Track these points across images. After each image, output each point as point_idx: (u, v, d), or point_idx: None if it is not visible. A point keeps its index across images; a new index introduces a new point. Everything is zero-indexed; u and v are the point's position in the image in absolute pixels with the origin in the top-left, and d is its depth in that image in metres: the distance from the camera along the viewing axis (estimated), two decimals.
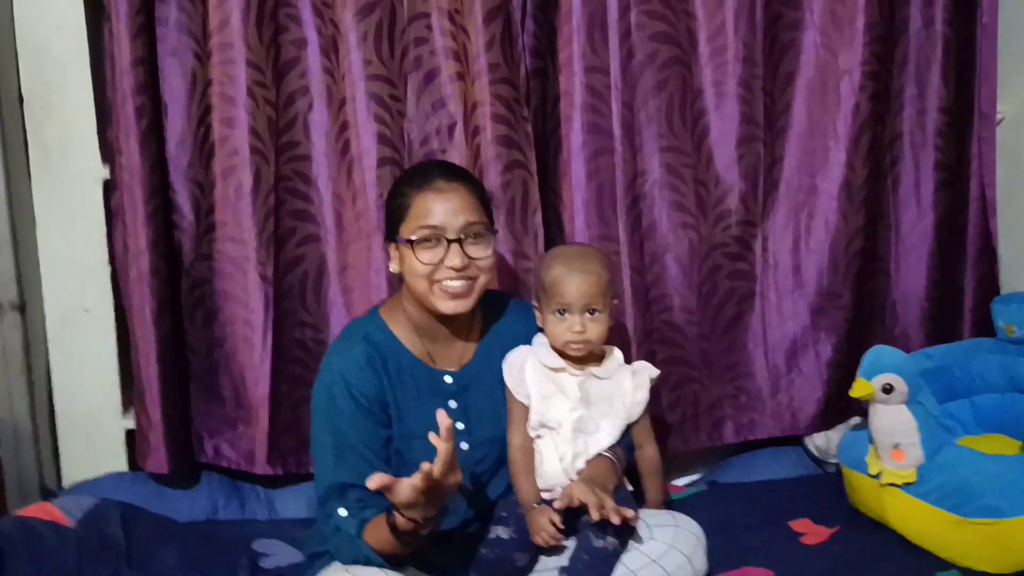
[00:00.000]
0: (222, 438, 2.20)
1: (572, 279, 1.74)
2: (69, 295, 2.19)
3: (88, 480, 2.19)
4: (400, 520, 1.57)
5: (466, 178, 1.78)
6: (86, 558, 1.85)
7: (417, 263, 1.69)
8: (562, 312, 1.76)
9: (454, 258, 1.68)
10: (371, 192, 2.10)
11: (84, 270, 2.18)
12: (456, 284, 1.70)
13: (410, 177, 1.79)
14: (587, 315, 1.75)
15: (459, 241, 1.69)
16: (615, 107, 2.14)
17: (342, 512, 1.66)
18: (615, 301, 1.83)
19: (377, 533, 1.63)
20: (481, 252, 1.71)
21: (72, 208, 2.16)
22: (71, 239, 2.17)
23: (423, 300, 1.72)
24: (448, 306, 1.70)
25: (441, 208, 1.70)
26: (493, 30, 2.05)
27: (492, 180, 2.09)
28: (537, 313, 1.82)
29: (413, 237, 1.70)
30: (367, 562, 1.64)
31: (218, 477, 2.23)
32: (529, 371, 1.78)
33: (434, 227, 1.69)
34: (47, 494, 2.17)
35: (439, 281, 1.69)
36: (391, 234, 1.76)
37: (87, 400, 2.23)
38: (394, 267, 1.76)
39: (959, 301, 2.36)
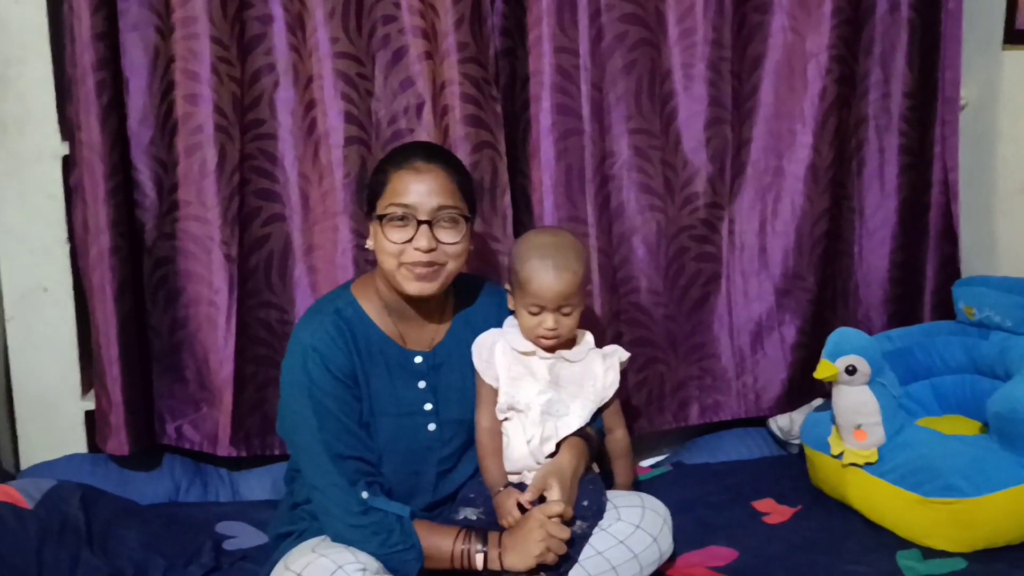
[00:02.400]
0: (185, 420, 2.17)
1: (547, 280, 1.71)
2: (27, 274, 2.15)
3: (47, 461, 2.15)
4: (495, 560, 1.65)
5: (447, 161, 1.74)
6: (47, 541, 1.83)
7: (386, 241, 1.68)
8: (536, 310, 1.74)
9: (421, 240, 1.66)
10: (338, 171, 2.08)
11: (43, 248, 2.14)
12: (422, 268, 1.67)
13: (392, 155, 1.77)
14: (560, 312, 1.74)
15: (429, 223, 1.67)
16: (584, 88, 2.13)
17: (364, 494, 1.65)
18: (588, 285, 1.82)
19: (434, 538, 1.66)
20: (451, 237, 1.69)
21: (30, 185, 2.12)
22: (29, 217, 2.13)
23: (390, 279, 1.71)
24: (413, 287, 1.68)
25: (415, 188, 1.68)
26: (462, 9, 2.03)
27: (460, 160, 2.08)
28: (509, 296, 1.81)
29: (384, 214, 1.68)
30: (408, 550, 1.63)
31: (180, 459, 2.21)
32: (498, 354, 1.77)
33: (406, 206, 1.67)
34: (5, 476, 2.13)
35: (406, 263, 1.68)
36: (370, 210, 1.74)
37: (45, 381, 2.19)
38: (370, 243, 1.74)
39: (920, 283, 2.39)
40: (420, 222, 1.67)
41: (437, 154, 1.75)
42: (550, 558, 1.65)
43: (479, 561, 1.65)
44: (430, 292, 1.70)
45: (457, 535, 1.67)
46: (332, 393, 1.67)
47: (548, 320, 1.73)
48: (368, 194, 1.76)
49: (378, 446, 1.72)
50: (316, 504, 1.69)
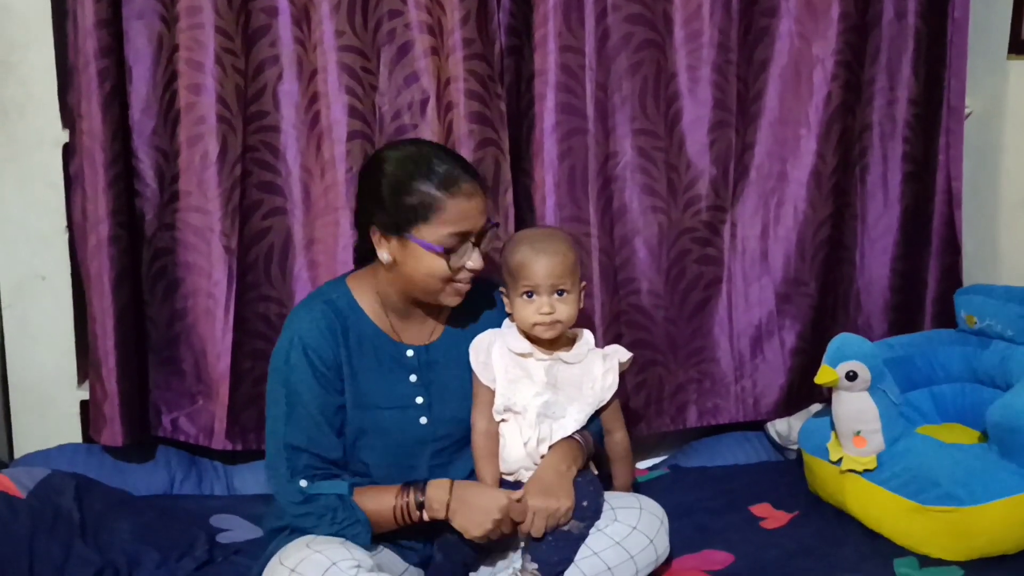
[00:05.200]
0: (181, 412, 2.16)
1: (538, 260, 1.72)
2: (25, 262, 2.14)
3: (41, 450, 2.14)
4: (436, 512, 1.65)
5: (478, 174, 1.74)
6: (39, 531, 1.81)
7: (442, 267, 1.67)
8: (529, 294, 1.73)
9: (478, 260, 1.69)
10: (340, 166, 2.07)
11: (41, 236, 2.13)
12: (466, 283, 1.71)
13: (429, 173, 1.66)
14: (555, 296, 1.73)
15: (479, 243, 1.69)
16: (589, 88, 2.13)
17: (303, 483, 1.66)
18: (583, 283, 1.81)
19: (379, 500, 1.66)
20: (490, 248, 1.73)
21: (30, 172, 2.11)
22: (28, 204, 2.12)
23: (424, 295, 1.71)
24: (454, 301, 1.72)
25: (471, 212, 1.67)
26: (469, 5, 2.02)
27: (464, 157, 2.07)
28: (504, 299, 1.80)
29: (446, 245, 1.66)
30: (354, 524, 1.64)
31: (175, 451, 2.21)
32: (496, 355, 1.76)
33: (466, 233, 1.67)
34: None
35: (456, 281, 1.69)
36: (396, 228, 1.67)
37: (41, 370, 2.18)
38: (386, 257, 1.70)
39: (922, 292, 2.39)
40: (474, 244, 1.69)
41: (470, 168, 1.73)
42: (492, 535, 1.65)
43: (416, 513, 1.66)
44: (461, 301, 1.73)
45: (398, 492, 1.67)
46: (308, 384, 1.68)
47: (544, 304, 1.72)
48: (399, 212, 1.66)
49: (369, 441, 1.72)
50: (270, 487, 1.73)
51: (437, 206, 1.65)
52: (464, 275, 1.70)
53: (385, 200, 1.67)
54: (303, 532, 1.67)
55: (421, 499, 1.66)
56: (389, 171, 1.68)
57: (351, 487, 1.68)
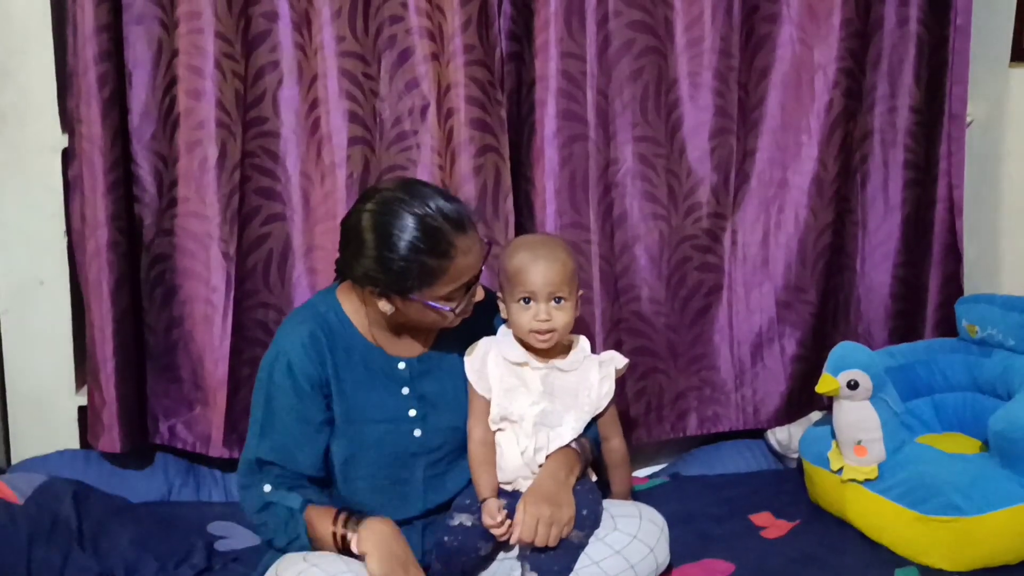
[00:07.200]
0: (178, 419, 2.16)
1: (537, 266, 1.70)
2: (23, 267, 2.14)
3: (38, 456, 2.14)
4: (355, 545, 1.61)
5: (469, 217, 1.66)
6: (36, 537, 1.81)
7: (448, 314, 1.66)
8: (526, 301, 1.72)
9: (481, 293, 1.70)
10: (340, 172, 2.07)
11: (40, 241, 2.13)
12: (471, 310, 1.71)
13: (426, 243, 1.60)
14: (552, 303, 1.72)
15: (479, 277, 1.69)
16: (590, 94, 2.12)
17: (267, 488, 1.66)
18: (580, 291, 1.80)
19: (320, 524, 1.63)
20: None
21: (29, 177, 2.10)
22: (27, 209, 2.11)
23: (429, 325, 1.71)
24: (457, 323, 1.71)
25: (472, 263, 1.65)
26: (470, 11, 2.02)
27: (464, 164, 2.07)
28: (500, 304, 1.78)
29: (452, 299, 1.65)
30: (295, 541, 1.64)
31: (173, 458, 2.20)
32: (491, 364, 1.75)
33: (470, 281, 1.67)
34: None
35: (463, 314, 1.69)
36: (397, 292, 1.63)
37: (39, 375, 2.18)
38: (386, 308, 1.66)
39: (923, 300, 2.38)
40: (472, 285, 1.68)
41: (460, 213, 1.64)
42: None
43: (354, 545, 1.61)
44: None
45: (335, 517, 1.64)
46: (288, 401, 1.67)
47: (541, 311, 1.70)
48: (399, 282, 1.61)
49: (364, 454, 1.71)
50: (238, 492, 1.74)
51: (439, 272, 1.62)
52: (469, 310, 1.70)
53: (380, 272, 1.62)
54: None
55: (344, 533, 1.61)
56: (381, 242, 1.61)
57: (304, 503, 1.65)
